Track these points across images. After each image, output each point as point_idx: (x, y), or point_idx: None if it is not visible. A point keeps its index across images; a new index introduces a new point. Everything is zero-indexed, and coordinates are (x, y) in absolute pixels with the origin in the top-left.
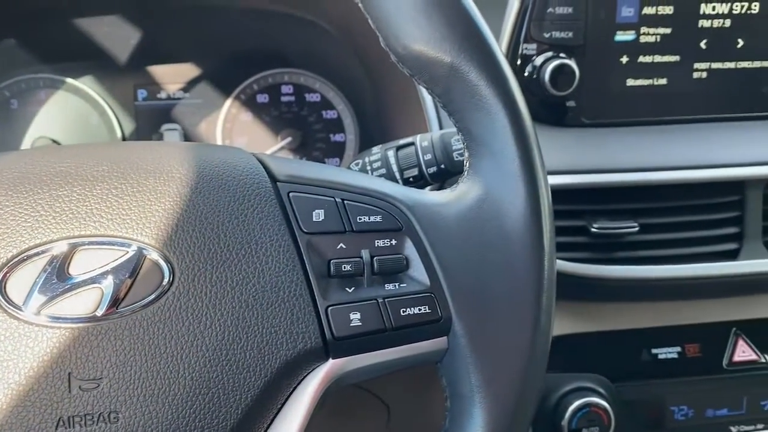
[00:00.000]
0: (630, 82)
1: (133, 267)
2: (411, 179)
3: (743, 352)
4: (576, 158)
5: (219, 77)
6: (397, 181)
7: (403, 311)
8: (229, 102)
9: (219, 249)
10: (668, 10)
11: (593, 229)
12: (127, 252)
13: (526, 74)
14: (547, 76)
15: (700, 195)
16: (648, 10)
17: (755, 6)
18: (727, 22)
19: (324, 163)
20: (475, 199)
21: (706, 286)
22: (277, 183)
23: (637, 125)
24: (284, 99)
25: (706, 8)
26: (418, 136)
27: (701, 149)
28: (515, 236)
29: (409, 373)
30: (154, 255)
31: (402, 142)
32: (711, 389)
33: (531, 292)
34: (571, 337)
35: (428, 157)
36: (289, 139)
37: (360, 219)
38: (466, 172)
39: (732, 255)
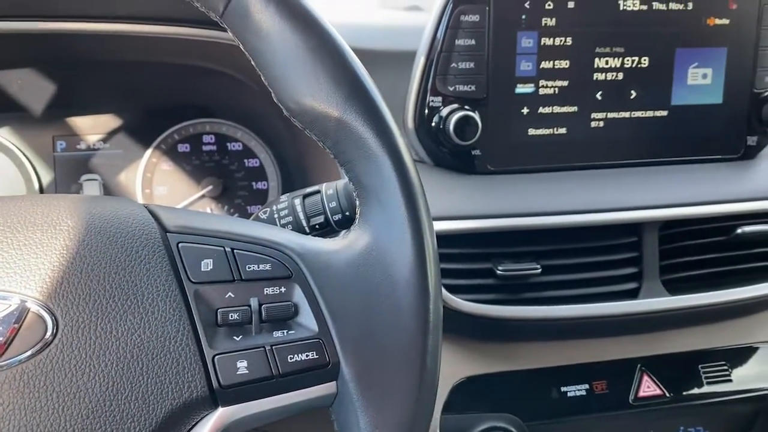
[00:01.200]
0: (531, 131)
1: (15, 320)
2: (317, 226)
3: (648, 387)
4: (483, 204)
5: (140, 127)
6: (303, 229)
7: (291, 358)
8: (149, 152)
9: (104, 301)
10: (564, 64)
11: (499, 272)
12: (9, 305)
13: (433, 125)
14: (452, 127)
15: (600, 237)
16: (545, 65)
17: (645, 60)
18: (620, 75)
19: (246, 210)
20: (363, 246)
21: (609, 324)
22: (168, 233)
23: (541, 171)
24: (206, 148)
25: (599, 62)
26: (324, 185)
27: (600, 194)
28: (402, 281)
29: (311, 415)
30: (36, 308)
31: (308, 190)
32: (619, 425)
33: (417, 335)
34: (483, 377)
35: (333, 204)
36: (210, 187)
37: (249, 267)
38: (356, 221)
39: (632, 294)
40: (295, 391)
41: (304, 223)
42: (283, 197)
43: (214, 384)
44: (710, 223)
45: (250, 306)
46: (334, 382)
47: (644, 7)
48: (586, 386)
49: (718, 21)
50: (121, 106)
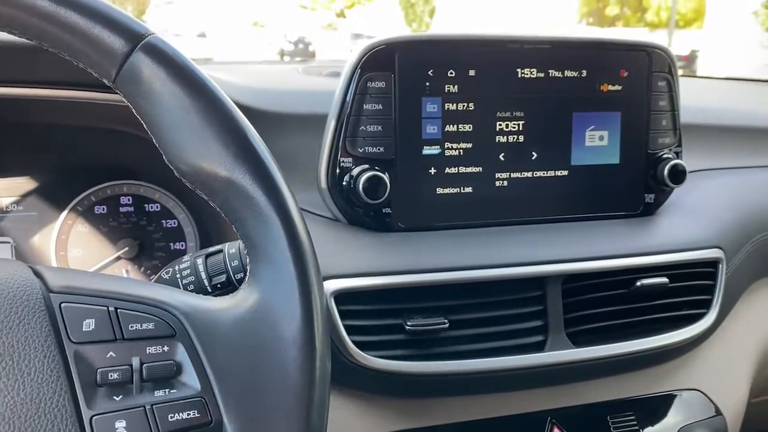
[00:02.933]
0: (439, 190)
1: None
2: (219, 285)
3: None
4: (394, 260)
5: (54, 189)
6: (205, 288)
7: (171, 417)
8: (64, 214)
9: None
10: (468, 127)
11: (408, 327)
12: None
13: (344, 184)
14: (361, 187)
15: (506, 291)
16: (450, 128)
17: (544, 124)
18: (521, 138)
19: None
20: (252, 303)
21: (518, 377)
22: (51, 294)
23: (449, 229)
24: (123, 209)
25: (501, 125)
26: (227, 244)
27: (505, 250)
28: (288, 337)
29: None
30: None
31: (211, 249)
32: None
33: (302, 389)
34: None
35: (235, 263)
36: (126, 248)
37: (132, 327)
38: (246, 279)
39: (539, 347)
40: None
41: (206, 283)
42: (186, 257)
43: None
44: (611, 276)
45: (131, 365)
46: None
47: (541, 75)
48: None
49: (611, 87)
50: (35, 168)
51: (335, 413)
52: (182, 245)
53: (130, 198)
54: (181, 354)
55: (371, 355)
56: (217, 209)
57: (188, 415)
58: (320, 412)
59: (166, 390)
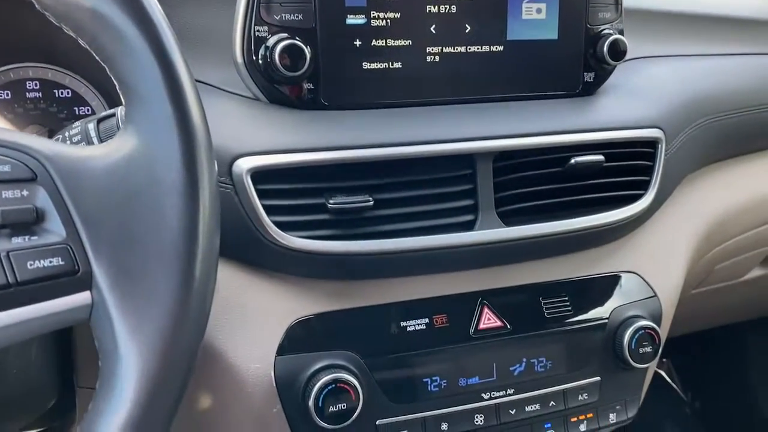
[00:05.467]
0: (365, 65)
1: None
2: None
3: (489, 320)
4: (315, 137)
5: None
6: None
7: (31, 264)
8: None
9: None
10: None
11: (330, 205)
12: None
13: (261, 57)
14: (277, 58)
15: (434, 169)
16: None
17: None
18: (453, 8)
19: None
20: (127, 150)
21: (447, 257)
22: None
23: (375, 107)
24: (30, 95)
25: None
26: (120, 108)
27: (434, 127)
28: (166, 182)
29: None
30: None
31: (103, 114)
32: (461, 359)
33: (182, 238)
34: (319, 316)
35: None
36: (33, 135)
37: None
38: (121, 123)
39: (469, 226)
40: (40, 303)
41: None
42: (77, 123)
43: None
44: (544, 154)
45: None
46: (88, 292)
47: None
48: (426, 320)
49: None
50: None
51: (259, 296)
52: None
53: (37, 83)
54: (43, 199)
55: (293, 236)
56: (87, 47)
57: (50, 262)
58: (206, 265)
59: (26, 237)
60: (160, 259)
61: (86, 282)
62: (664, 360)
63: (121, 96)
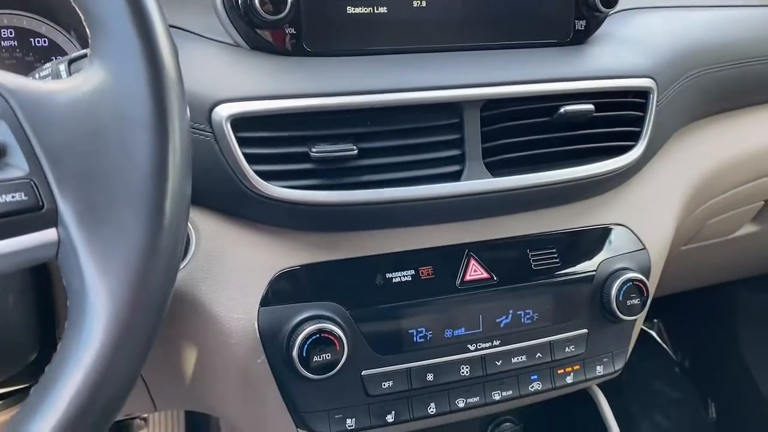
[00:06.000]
0: (350, 9)
1: None
2: None
3: (475, 271)
4: (298, 84)
5: None
6: None
7: None
8: None
9: None
10: None
11: (313, 153)
12: None
13: (241, 0)
14: (257, 0)
15: (420, 118)
16: None
17: None
18: None
19: None
20: (93, 84)
21: (434, 208)
22: None
23: (360, 54)
24: (5, 44)
25: None
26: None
27: (420, 74)
28: (134, 119)
29: None
30: None
31: (76, 54)
32: (447, 310)
33: (150, 174)
34: (303, 268)
35: None
36: None
37: None
38: (88, 57)
39: (455, 176)
40: (4, 240)
41: None
42: (48, 63)
43: None
44: (533, 103)
45: None
46: (54, 229)
47: None
48: (412, 272)
49: None
50: None
51: (242, 248)
52: None
53: (11, 31)
54: (5, 133)
55: (275, 185)
56: None
57: (13, 197)
58: (177, 204)
59: None
60: (128, 197)
61: (51, 218)
62: (654, 320)
63: (86, 28)
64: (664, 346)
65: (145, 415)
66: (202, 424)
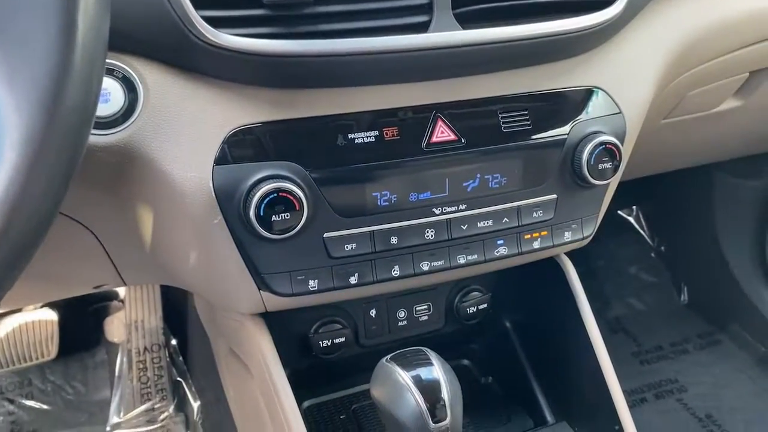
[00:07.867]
0: None
1: None
2: None
3: (442, 133)
4: None
5: None
6: None
7: None
8: None
9: None
10: None
11: None
12: None
13: None
14: None
15: None
16: None
17: None
18: None
19: None
20: None
21: (399, 64)
22: None
23: None
24: None
25: None
26: None
27: None
28: None
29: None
30: None
31: None
32: (412, 173)
33: None
34: (260, 126)
35: None
36: None
37: None
38: None
39: (422, 27)
40: None
41: None
42: None
43: None
44: None
45: None
46: None
47: None
48: (376, 133)
49: None
50: None
51: (195, 103)
52: None
53: None
54: None
55: (225, 33)
56: None
57: None
58: (91, 16)
59: None
60: (33, 4)
61: None
62: (633, 207)
63: None
64: (642, 232)
65: (122, 297)
66: (179, 304)
